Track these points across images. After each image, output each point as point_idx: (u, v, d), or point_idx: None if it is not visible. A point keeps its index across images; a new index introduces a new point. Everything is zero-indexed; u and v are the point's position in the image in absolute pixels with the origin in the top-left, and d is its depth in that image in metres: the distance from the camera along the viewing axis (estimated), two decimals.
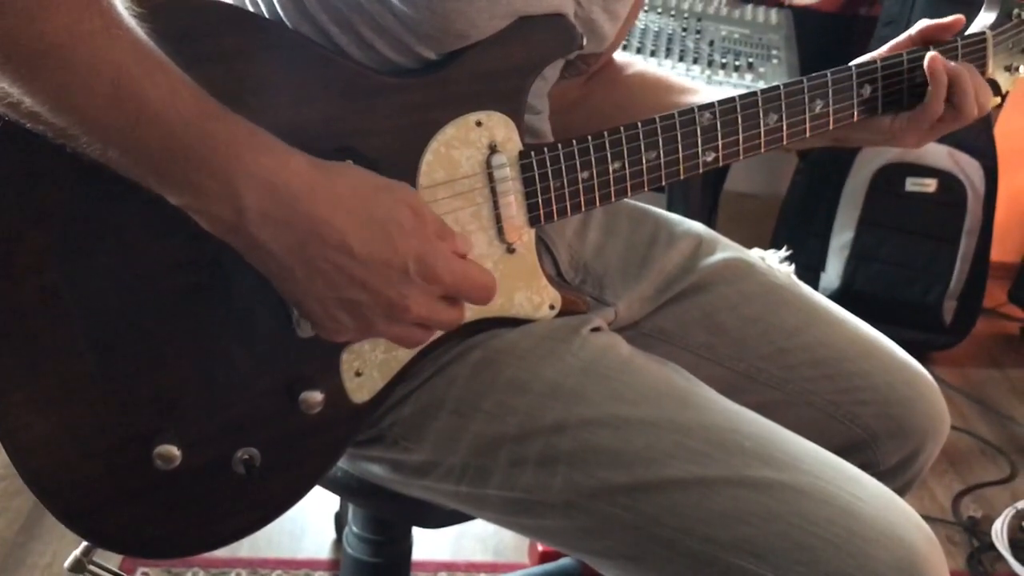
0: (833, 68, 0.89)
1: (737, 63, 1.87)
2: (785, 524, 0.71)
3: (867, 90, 0.91)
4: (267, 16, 0.75)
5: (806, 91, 0.88)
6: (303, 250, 0.65)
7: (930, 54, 0.90)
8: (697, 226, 1.02)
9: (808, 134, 0.90)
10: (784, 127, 0.88)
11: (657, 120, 0.82)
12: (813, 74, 0.88)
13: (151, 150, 0.61)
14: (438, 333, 0.78)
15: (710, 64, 1.82)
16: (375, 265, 0.66)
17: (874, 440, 0.94)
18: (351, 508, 1.15)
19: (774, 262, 1.03)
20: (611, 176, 0.82)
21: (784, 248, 1.07)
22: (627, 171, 0.83)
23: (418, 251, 0.67)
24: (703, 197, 2.01)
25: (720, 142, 0.86)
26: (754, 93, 0.86)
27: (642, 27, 1.88)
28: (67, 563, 0.84)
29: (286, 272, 0.66)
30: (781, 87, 0.87)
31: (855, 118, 0.92)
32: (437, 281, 0.69)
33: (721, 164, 0.87)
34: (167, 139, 0.60)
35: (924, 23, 0.93)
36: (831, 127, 0.91)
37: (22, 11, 0.55)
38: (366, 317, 0.68)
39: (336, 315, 0.68)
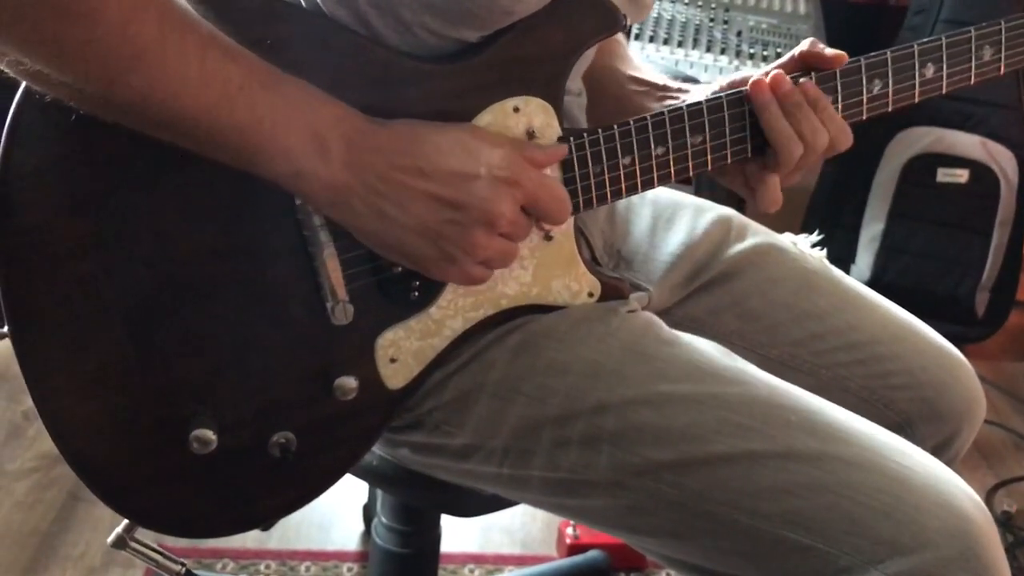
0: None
1: (765, 53, 1.86)
2: (833, 495, 0.71)
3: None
4: (305, 3, 0.75)
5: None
6: (385, 184, 0.68)
7: (753, 78, 0.81)
8: (727, 211, 1.01)
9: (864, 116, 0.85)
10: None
11: (703, 103, 0.80)
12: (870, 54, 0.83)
13: (239, 122, 0.64)
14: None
15: (738, 54, 1.81)
16: (455, 178, 0.69)
17: (909, 424, 0.93)
18: (380, 499, 1.15)
19: (805, 247, 1.02)
20: (654, 161, 0.80)
21: (815, 233, 1.06)
22: (671, 156, 0.81)
23: (490, 156, 0.70)
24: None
25: None
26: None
27: (669, 17, 1.87)
28: (110, 539, 0.85)
29: (377, 216, 0.69)
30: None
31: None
32: (517, 184, 0.71)
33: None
34: (252, 108, 0.64)
35: (807, 44, 0.83)
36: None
37: (115, 19, 0.58)
38: (466, 234, 0.70)
39: (439, 244, 0.71)
